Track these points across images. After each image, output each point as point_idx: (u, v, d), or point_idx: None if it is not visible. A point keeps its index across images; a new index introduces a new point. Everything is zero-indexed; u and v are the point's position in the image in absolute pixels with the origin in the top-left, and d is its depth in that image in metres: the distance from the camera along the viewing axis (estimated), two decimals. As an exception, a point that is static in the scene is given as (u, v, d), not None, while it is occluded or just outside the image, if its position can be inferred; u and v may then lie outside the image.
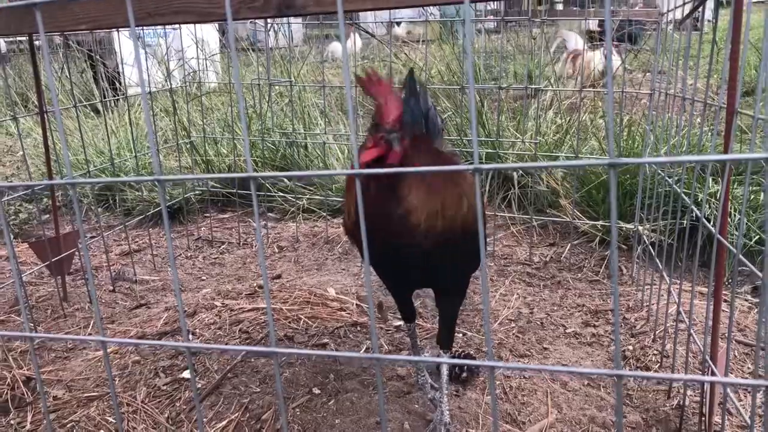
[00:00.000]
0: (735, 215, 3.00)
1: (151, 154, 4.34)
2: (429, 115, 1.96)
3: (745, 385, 2.06)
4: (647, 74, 4.57)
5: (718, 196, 3.13)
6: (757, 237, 2.97)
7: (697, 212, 1.91)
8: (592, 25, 11.98)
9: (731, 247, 1.53)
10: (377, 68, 8.28)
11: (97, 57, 6.39)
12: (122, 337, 2.77)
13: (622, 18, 5.94)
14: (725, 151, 1.60)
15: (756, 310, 2.71)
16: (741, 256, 1.43)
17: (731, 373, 1.84)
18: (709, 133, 2.68)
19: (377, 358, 1.10)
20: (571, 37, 6.55)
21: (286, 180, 4.27)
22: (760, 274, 1.31)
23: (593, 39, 10.51)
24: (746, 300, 2.81)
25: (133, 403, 2.21)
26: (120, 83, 6.08)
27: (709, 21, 3.18)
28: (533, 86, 3.45)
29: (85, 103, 5.24)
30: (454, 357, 2.29)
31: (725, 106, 1.65)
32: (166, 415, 2.15)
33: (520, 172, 3.83)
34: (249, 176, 1.07)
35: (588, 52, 5.04)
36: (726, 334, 1.72)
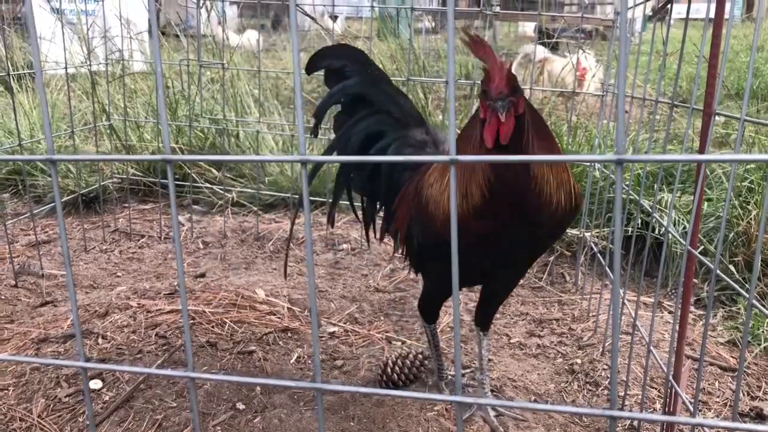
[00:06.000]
0: (682, 222, 2.94)
1: (67, 136, 3.99)
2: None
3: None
4: (594, 77, 4.50)
5: (665, 203, 3.07)
6: (701, 247, 2.91)
7: (660, 221, 1.79)
8: (529, 30, 12.03)
9: (708, 263, 1.40)
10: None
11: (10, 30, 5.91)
12: (22, 339, 2.47)
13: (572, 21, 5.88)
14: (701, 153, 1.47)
15: (701, 322, 2.64)
16: (719, 272, 1.30)
17: (686, 392, 1.73)
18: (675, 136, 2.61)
19: (318, 389, 0.90)
20: (531, 50, 6.41)
21: (214, 170, 3.98)
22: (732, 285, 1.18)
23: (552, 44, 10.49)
24: (690, 312, 2.74)
25: (27, 417, 1.93)
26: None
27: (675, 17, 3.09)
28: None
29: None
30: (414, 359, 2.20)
31: (699, 108, 1.53)
32: (66, 433, 1.88)
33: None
34: (164, 159, 0.85)
35: (552, 57, 4.91)
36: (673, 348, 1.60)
